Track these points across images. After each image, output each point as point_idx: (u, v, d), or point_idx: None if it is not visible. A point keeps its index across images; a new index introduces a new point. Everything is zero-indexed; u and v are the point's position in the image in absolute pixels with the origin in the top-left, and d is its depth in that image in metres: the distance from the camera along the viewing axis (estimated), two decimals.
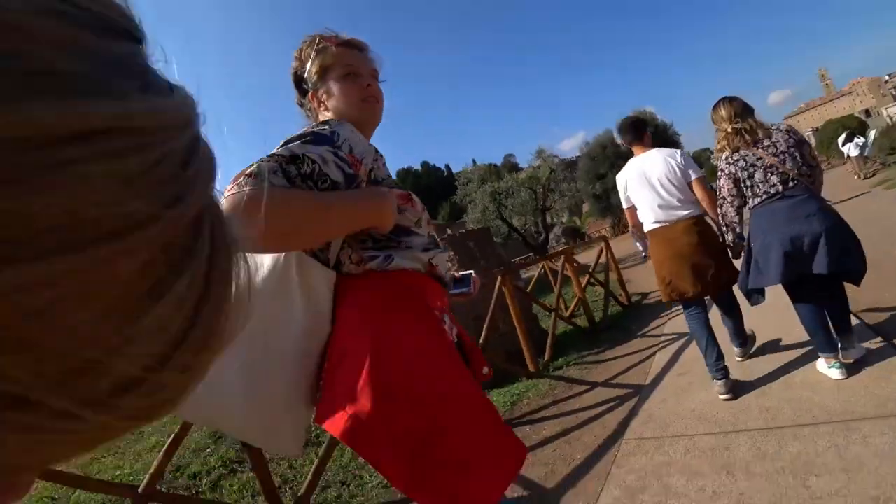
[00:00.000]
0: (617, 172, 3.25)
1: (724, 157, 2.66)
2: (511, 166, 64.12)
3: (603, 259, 6.88)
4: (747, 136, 2.55)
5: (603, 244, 7.04)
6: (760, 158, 2.50)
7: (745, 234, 2.69)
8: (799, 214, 2.41)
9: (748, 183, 2.55)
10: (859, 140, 16.00)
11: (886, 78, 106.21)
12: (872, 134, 18.88)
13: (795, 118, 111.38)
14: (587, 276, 6.67)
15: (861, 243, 2.46)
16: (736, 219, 2.70)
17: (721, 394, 2.73)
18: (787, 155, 2.46)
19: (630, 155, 3.16)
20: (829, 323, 2.57)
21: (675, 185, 2.83)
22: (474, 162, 25.25)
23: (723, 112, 2.68)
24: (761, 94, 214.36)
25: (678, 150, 2.95)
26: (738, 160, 2.57)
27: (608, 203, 27.10)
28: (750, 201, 2.60)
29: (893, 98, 78.65)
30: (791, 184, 2.45)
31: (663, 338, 4.48)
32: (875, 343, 2.77)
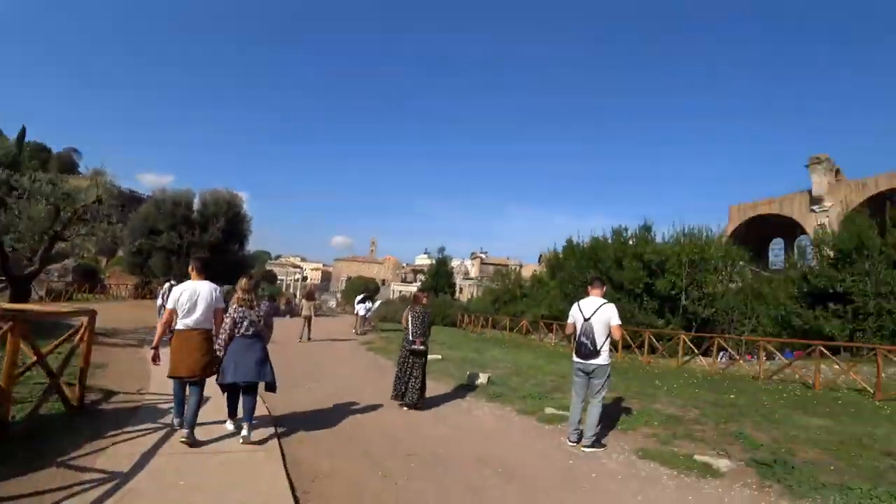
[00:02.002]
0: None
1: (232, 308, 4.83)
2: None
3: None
4: (248, 303, 4.87)
5: (86, 319, 5.59)
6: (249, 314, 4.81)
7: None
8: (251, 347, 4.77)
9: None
10: (368, 304, 20.18)
11: (404, 264, 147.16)
12: (377, 304, 24.37)
13: (344, 263, 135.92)
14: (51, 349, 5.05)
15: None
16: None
17: None
18: (261, 317, 4.89)
19: None
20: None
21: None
22: None
23: (242, 283, 4.95)
24: (329, 233, 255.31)
25: (218, 287, 5.00)
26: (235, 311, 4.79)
27: (144, 261, 24.35)
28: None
29: (401, 280, 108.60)
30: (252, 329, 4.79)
31: (85, 477, 3.49)
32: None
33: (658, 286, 17.86)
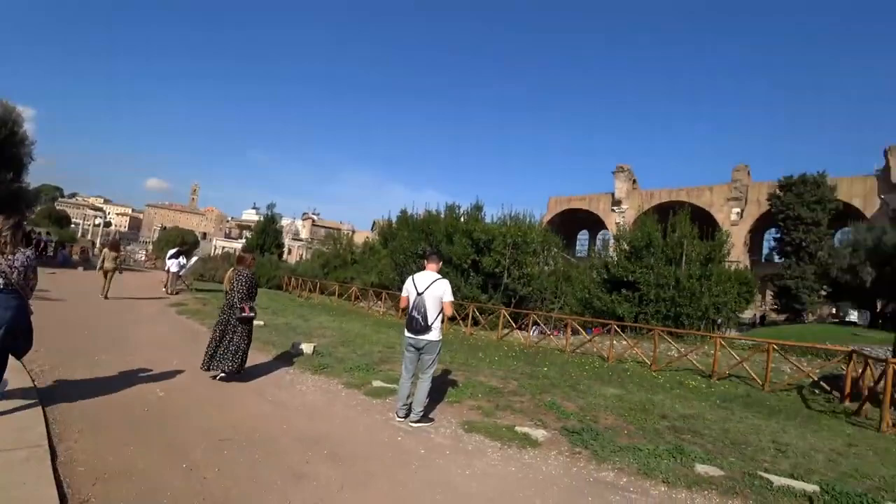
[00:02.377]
0: None
1: None
2: None
3: None
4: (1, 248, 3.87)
5: None
6: None
7: None
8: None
9: None
10: (182, 260, 17.39)
11: (230, 218, 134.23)
12: (194, 260, 21.31)
13: (158, 210, 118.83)
14: None
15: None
16: None
17: None
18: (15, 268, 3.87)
19: None
20: None
21: None
22: None
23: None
24: (143, 176, 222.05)
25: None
26: None
27: None
28: None
29: (224, 235, 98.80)
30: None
31: None
32: None
33: (484, 263, 18.67)
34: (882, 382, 7.05)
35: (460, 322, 15.78)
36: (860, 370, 8.28)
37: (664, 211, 37.84)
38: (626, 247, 19.50)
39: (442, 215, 22.73)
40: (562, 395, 6.59)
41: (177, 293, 16.18)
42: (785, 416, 6.85)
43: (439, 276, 5.05)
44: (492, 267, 18.59)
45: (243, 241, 77.51)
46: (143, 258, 47.29)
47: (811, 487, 3.86)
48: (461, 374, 7.47)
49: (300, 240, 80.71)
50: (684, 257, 17.55)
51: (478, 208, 22.07)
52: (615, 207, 50.62)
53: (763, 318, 35.75)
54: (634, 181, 51.08)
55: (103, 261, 13.69)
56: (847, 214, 35.14)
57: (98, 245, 45.26)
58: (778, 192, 36.15)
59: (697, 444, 4.95)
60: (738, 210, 43.52)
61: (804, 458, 4.78)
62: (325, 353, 8.12)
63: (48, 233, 39.95)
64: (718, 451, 4.78)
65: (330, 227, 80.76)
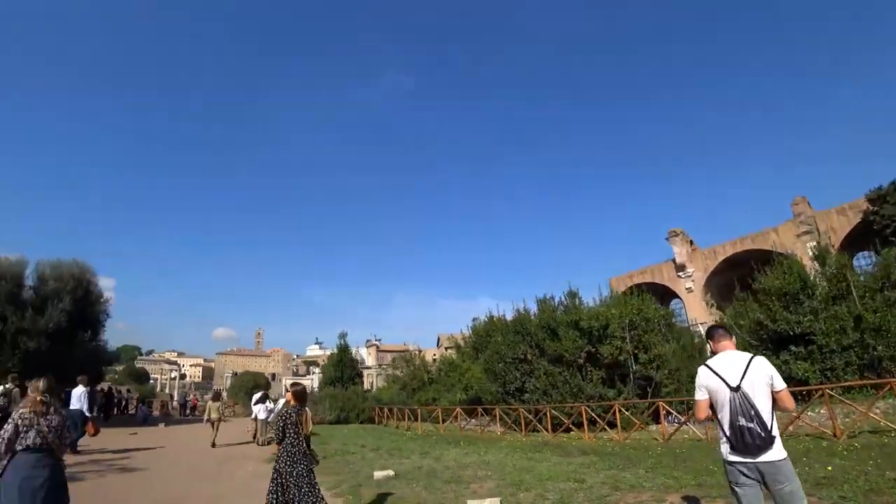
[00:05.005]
0: None
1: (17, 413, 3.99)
2: None
3: None
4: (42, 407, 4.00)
5: None
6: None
7: None
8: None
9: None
10: (269, 405, 16.02)
11: (295, 356, 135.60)
12: (280, 402, 20.00)
13: (228, 357, 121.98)
14: None
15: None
16: None
17: None
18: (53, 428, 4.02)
19: None
20: None
21: None
22: None
23: (39, 384, 4.10)
24: (209, 326, 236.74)
25: None
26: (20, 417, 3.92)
27: None
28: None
29: (293, 373, 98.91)
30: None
31: None
32: None
33: (603, 353, 16.40)
34: None
35: (605, 427, 13.36)
36: None
37: (736, 264, 35.07)
38: (773, 298, 15.88)
39: (531, 313, 20.79)
40: None
41: (269, 443, 14.70)
42: None
43: (749, 353, 3.33)
44: (614, 355, 16.28)
45: (312, 376, 76.96)
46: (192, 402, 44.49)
47: None
48: None
49: (367, 367, 79.32)
50: (853, 290, 14.65)
51: (572, 295, 19.91)
52: (680, 273, 47.68)
53: None
54: (691, 242, 48.74)
55: (209, 412, 14.14)
56: None
57: (175, 398, 45.37)
58: (870, 207, 33.00)
59: None
60: (813, 244, 39.78)
61: None
62: None
63: (129, 390, 40.45)
64: None
65: (395, 351, 79.36)
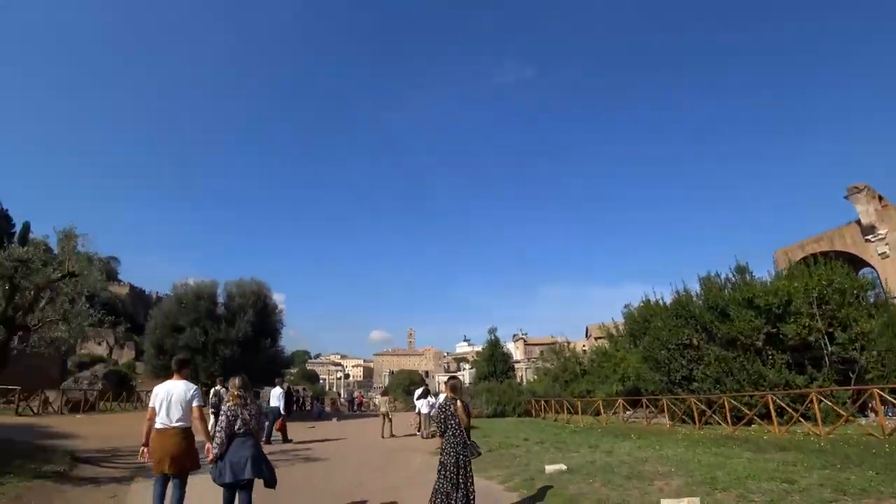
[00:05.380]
0: None
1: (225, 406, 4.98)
2: None
3: None
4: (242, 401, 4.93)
5: None
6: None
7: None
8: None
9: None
10: (431, 399, 16.82)
11: (445, 353, 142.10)
12: (441, 397, 21.04)
13: (385, 357, 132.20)
14: None
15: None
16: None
17: None
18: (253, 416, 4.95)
19: None
20: None
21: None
22: None
23: (236, 381, 5.08)
24: (365, 329, 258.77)
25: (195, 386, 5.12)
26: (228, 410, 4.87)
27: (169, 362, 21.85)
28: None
29: (444, 369, 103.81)
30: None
31: None
32: None
33: (787, 332, 14.50)
34: None
35: (799, 420, 11.96)
36: None
37: None
38: None
39: (693, 294, 19.00)
40: None
41: (432, 436, 15.55)
42: None
43: None
44: (801, 335, 14.25)
45: (463, 372, 79.77)
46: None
47: None
48: None
49: (516, 361, 79.84)
50: None
51: (741, 270, 17.58)
52: (869, 236, 39.01)
53: None
54: (880, 197, 39.29)
55: (379, 406, 15.29)
56: None
57: (342, 395, 50.39)
58: None
59: None
60: None
61: None
62: None
63: (304, 389, 45.86)
64: None
65: (543, 344, 78.75)
